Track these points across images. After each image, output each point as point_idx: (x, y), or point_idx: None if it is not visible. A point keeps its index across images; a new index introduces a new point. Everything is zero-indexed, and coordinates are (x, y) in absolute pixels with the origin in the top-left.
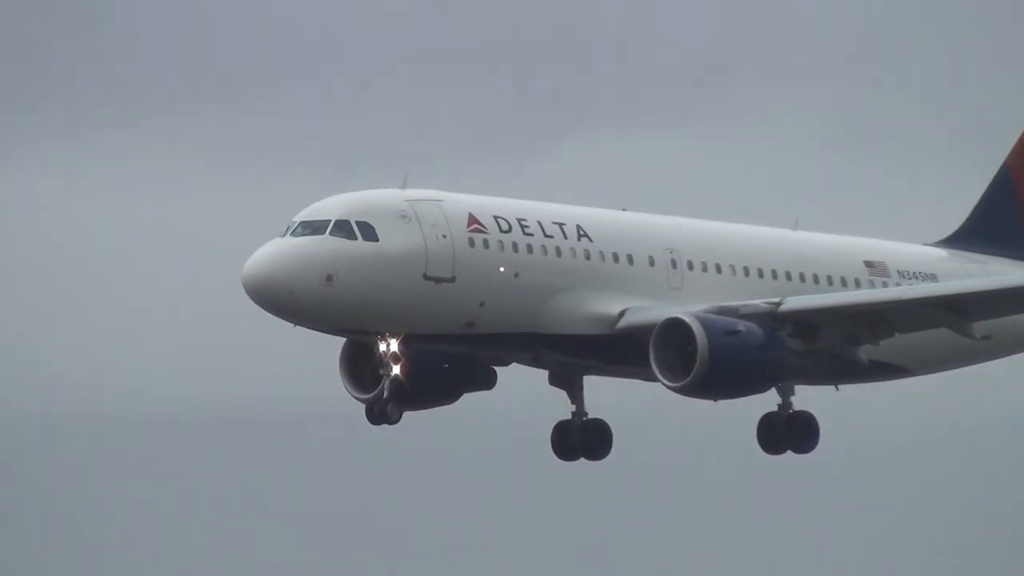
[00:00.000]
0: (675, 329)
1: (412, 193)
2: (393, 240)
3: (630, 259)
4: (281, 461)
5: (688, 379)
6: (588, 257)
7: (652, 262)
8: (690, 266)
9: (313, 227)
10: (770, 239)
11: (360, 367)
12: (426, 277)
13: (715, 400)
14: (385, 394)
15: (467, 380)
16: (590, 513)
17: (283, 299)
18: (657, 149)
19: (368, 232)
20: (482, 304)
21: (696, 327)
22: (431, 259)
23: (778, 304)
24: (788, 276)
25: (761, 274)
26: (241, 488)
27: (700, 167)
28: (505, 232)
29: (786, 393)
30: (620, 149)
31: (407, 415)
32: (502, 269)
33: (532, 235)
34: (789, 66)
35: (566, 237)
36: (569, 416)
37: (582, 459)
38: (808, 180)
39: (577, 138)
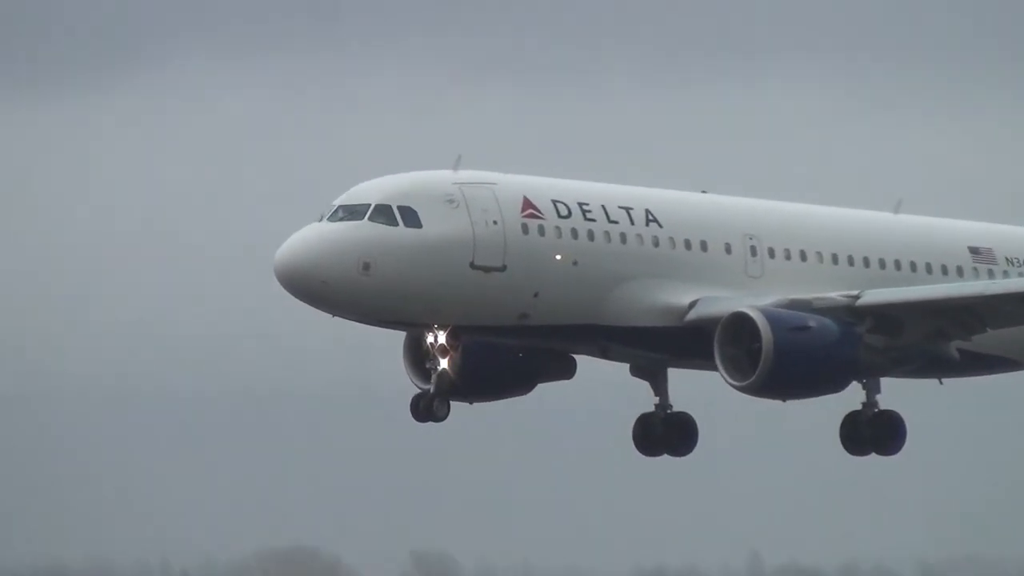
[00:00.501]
0: (741, 324)
1: (463, 175)
2: (438, 226)
3: (704, 246)
4: (339, 449)
5: (753, 378)
6: (656, 244)
7: (729, 249)
8: (771, 253)
9: (352, 212)
10: (863, 222)
11: (424, 356)
12: (473, 266)
13: (783, 400)
14: (432, 389)
15: (543, 369)
16: (666, 511)
17: (316, 289)
18: (740, 122)
19: (411, 217)
20: (536, 295)
21: (761, 322)
22: (479, 247)
23: (856, 297)
24: (882, 264)
25: (852, 261)
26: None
27: (787, 142)
28: (564, 217)
29: (871, 390)
30: (697, 121)
31: (481, 406)
32: (559, 257)
33: (594, 220)
34: (894, 34)
35: (633, 223)
36: (652, 409)
37: (665, 455)
38: (911, 156)
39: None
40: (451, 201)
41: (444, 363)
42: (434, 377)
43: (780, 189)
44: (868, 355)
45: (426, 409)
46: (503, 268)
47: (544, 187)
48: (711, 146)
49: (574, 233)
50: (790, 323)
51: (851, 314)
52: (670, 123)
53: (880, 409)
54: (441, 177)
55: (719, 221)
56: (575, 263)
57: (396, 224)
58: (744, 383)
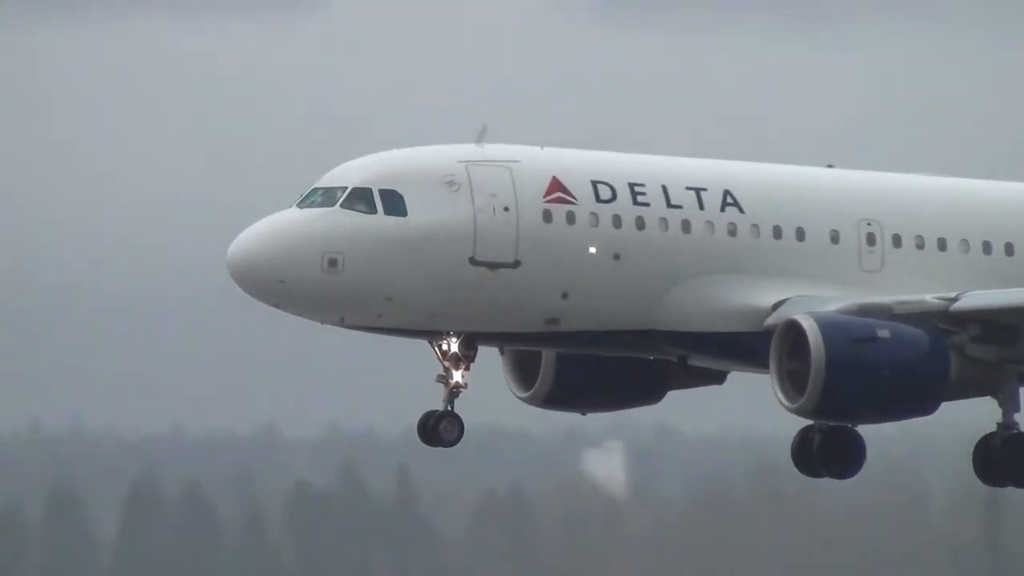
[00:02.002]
0: (795, 334)
1: (481, 151)
2: (427, 214)
3: (800, 234)
4: None
5: (803, 399)
6: (733, 233)
7: (836, 237)
8: (897, 241)
9: (328, 196)
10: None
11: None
12: (475, 261)
13: (850, 424)
14: (444, 407)
15: (674, 375)
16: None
17: (273, 289)
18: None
19: (393, 203)
20: (566, 295)
21: (812, 332)
22: (481, 238)
23: (953, 300)
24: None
25: (1010, 250)
26: None
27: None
28: (605, 201)
29: (1008, 408)
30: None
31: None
32: (593, 250)
33: (647, 205)
34: None
35: (703, 207)
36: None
37: (826, 476)
38: None
39: None
40: (451, 183)
41: (457, 376)
42: (444, 393)
43: (910, 161)
44: (972, 370)
45: (432, 430)
46: (516, 264)
47: (587, 164)
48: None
49: (617, 221)
50: (852, 334)
51: (948, 321)
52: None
53: (1017, 431)
54: (443, 154)
55: (826, 203)
56: (617, 257)
57: (374, 211)
58: (794, 406)
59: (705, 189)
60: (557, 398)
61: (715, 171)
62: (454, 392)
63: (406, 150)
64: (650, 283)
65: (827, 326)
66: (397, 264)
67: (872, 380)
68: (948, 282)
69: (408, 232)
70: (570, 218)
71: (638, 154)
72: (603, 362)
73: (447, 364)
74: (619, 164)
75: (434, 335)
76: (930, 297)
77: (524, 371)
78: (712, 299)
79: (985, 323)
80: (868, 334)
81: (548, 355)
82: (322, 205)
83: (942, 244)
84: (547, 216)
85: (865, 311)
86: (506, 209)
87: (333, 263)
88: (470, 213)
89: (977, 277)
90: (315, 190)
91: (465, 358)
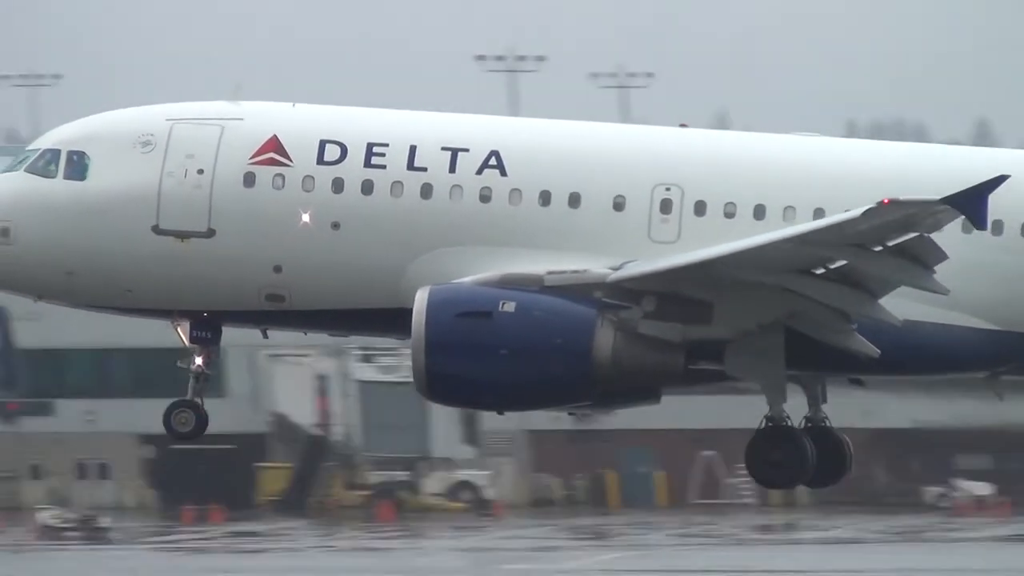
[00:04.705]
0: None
1: (203, 109)
2: (106, 178)
3: (574, 200)
4: None
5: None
6: (487, 199)
7: (621, 205)
8: (700, 209)
9: (26, 159)
10: (859, 156)
11: None
12: (159, 231)
13: (484, 410)
14: (189, 395)
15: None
16: None
17: None
18: None
19: (76, 167)
20: (278, 269)
21: (418, 306)
22: (165, 205)
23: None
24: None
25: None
26: None
27: None
28: (329, 163)
29: (772, 398)
30: None
31: None
32: (306, 219)
33: (382, 168)
34: None
35: (454, 170)
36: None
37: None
38: None
39: None
40: (146, 144)
41: (198, 361)
42: (190, 380)
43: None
44: (653, 353)
45: (167, 419)
46: (210, 233)
47: (326, 122)
48: None
49: (336, 185)
50: (460, 307)
51: (615, 294)
52: None
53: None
54: (154, 113)
55: (614, 165)
56: (336, 226)
57: (53, 175)
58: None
59: (466, 150)
60: None
61: (486, 130)
62: (198, 379)
63: (123, 111)
64: (379, 256)
65: (438, 300)
66: (71, 234)
67: (484, 360)
68: None
69: (83, 198)
70: (278, 182)
71: (414, 111)
72: None
73: (187, 350)
74: (368, 122)
75: (154, 314)
76: (598, 267)
77: None
78: (457, 275)
79: (661, 296)
80: (480, 307)
81: None
82: (14, 168)
83: (759, 212)
84: (249, 180)
85: (509, 282)
86: (200, 172)
87: (4, 232)
88: (156, 177)
89: None
90: (26, 151)
91: (202, 341)
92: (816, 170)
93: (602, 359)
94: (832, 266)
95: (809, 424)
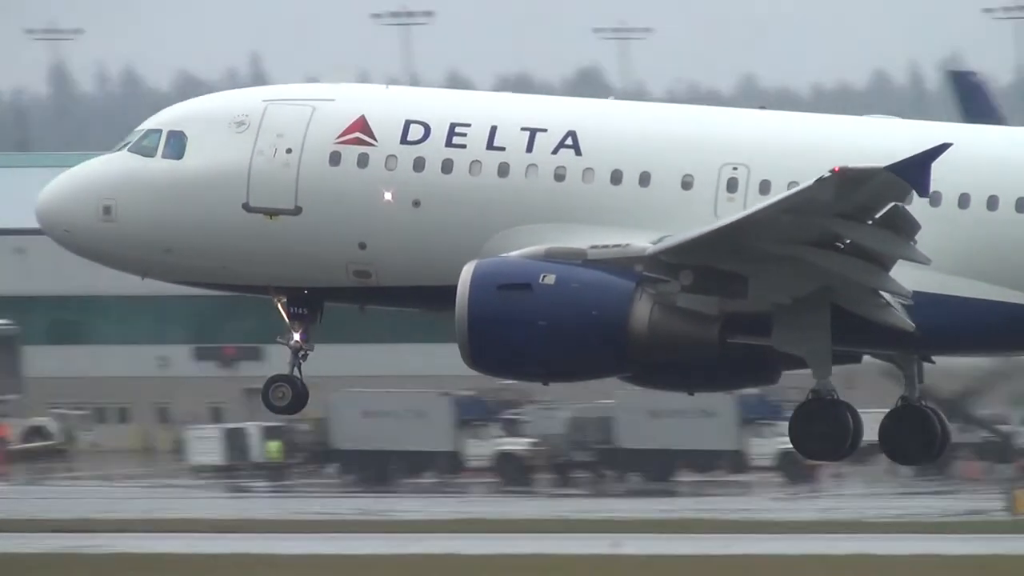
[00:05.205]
0: None
1: (297, 90)
2: (201, 156)
3: (644, 179)
4: None
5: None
6: (561, 178)
7: (689, 184)
8: (765, 188)
9: (132, 138)
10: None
11: None
12: (249, 208)
13: (529, 380)
14: (291, 370)
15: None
16: None
17: (63, 239)
18: None
19: (174, 146)
20: (363, 246)
21: (463, 279)
22: (255, 182)
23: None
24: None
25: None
26: None
27: None
28: (412, 143)
29: (819, 372)
30: None
31: None
32: (389, 196)
33: (462, 147)
34: None
35: (531, 150)
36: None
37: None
38: None
39: None
40: (240, 124)
41: (296, 336)
42: (290, 356)
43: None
44: (690, 325)
45: (265, 393)
46: (296, 211)
47: (413, 103)
48: None
49: (418, 164)
50: (500, 279)
51: (655, 267)
52: None
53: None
54: (254, 94)
55: (683, 145)
56: (416, 203)
57: (153, 155)
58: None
59: (544, 130)
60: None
61: (566, 110)
62: (296, 354)
63: (226, 92)
64: (458, 233)
65: (482, 273)
66: (169, 212)
67: (524, 330)
68: None
69: (178, 176)
70: (362, 161)
71: (504, 93)
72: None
73: (287, 323)
74: (455, 103)
75: (251, 290)
76: (639, 242)
77: None
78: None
79: (697, 270)
80: (521, 280)
81: None
82: (121, 148)
83: None
84: (335, 159)
85: (554, 256)
86: (288, 151)
87: (107, 210)
88: (247, 156)
89: None
90: (136, 131)
91: (299, 317)
92: (882, 151)
93: (638, 330)
94: (847, 241)
95: (903, 403)
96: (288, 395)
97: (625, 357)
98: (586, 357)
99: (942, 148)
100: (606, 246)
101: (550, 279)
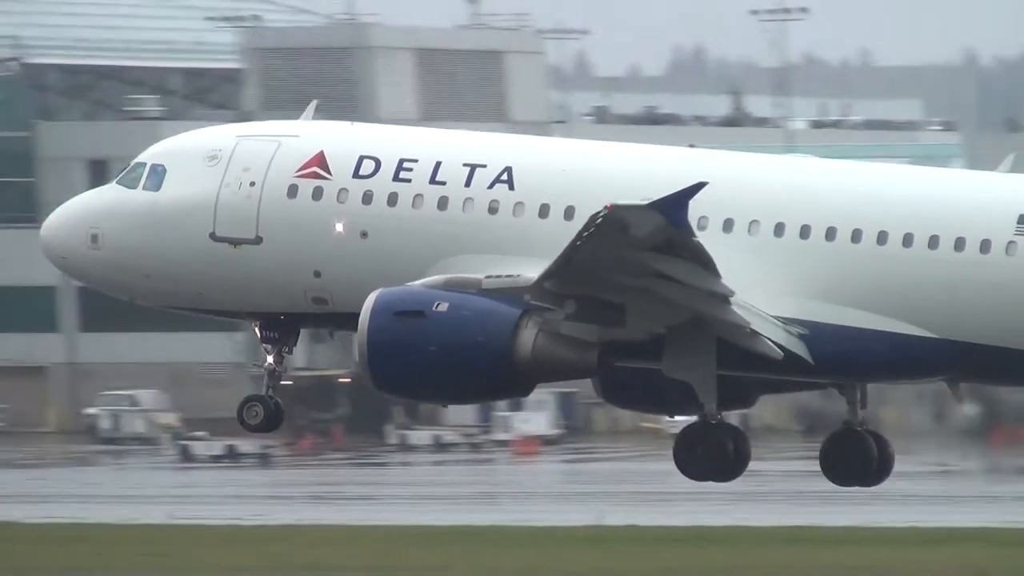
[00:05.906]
0: None
1: (268, 127)
2: (177, 189)
3: (569, 213)
4: None
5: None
6: (494, 211)
7: None
8: (700, 224)
9: (121, 172)
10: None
11: None
12: (216, 237)
13: (421, 401)
14: (265, 391)
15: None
16: None
17: (61, 265)
18: None
19: (154, 178)
20: (318, 274)
21: (365, 307)
22: (221, 213)
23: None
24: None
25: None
26: None
27: None
28: (363, 177)
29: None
30: None
31: None
32: (340, 228)
33: (407, 182)
34: None
35: (469, 184)
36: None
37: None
38: None
39: None
40: (213, 157)
41: (270, 359)
42: (265, 377)
43: None
44: (573, 352)
45: (239, 412)
46: (257, 240)
47: (370, 139)
48: None
49: (366, 197)
50: (396, 307)
51: (543, 296)
52: None
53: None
54: (229, 130)
55: (606, 181)
56: (364, 235)
57: (136, 186)
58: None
59: (484, 165)
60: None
61: (505, 148)
62: (271, 376)
63: (210, 128)
64: (403, 262)
65: (382, 301)
66: (146, 240)
67: (417, 356)
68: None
69: (156, 207)
70: (317, 194)
71: (455, 130)
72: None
73: (261, 347)
74: (409, 140)
75: (225, 315)
76: (530, 272)
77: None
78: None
79: (580, 299)
80: (415, 307)
81: None
82: (112, 180)
83: (779, 230)
84: (292, 191)
85: (452, 285)
86: (252, 184)
87: (94, 239)
88: (215, 188)
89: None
90: (129, 164)
91: (273, 340)
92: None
93: (522, 356)
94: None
95: (845, 427)
96: (261, 414)
97: (513, 381)
98: (475, 381)
99: (699, 186)
100: (499, 276)
101: (443, 307)
